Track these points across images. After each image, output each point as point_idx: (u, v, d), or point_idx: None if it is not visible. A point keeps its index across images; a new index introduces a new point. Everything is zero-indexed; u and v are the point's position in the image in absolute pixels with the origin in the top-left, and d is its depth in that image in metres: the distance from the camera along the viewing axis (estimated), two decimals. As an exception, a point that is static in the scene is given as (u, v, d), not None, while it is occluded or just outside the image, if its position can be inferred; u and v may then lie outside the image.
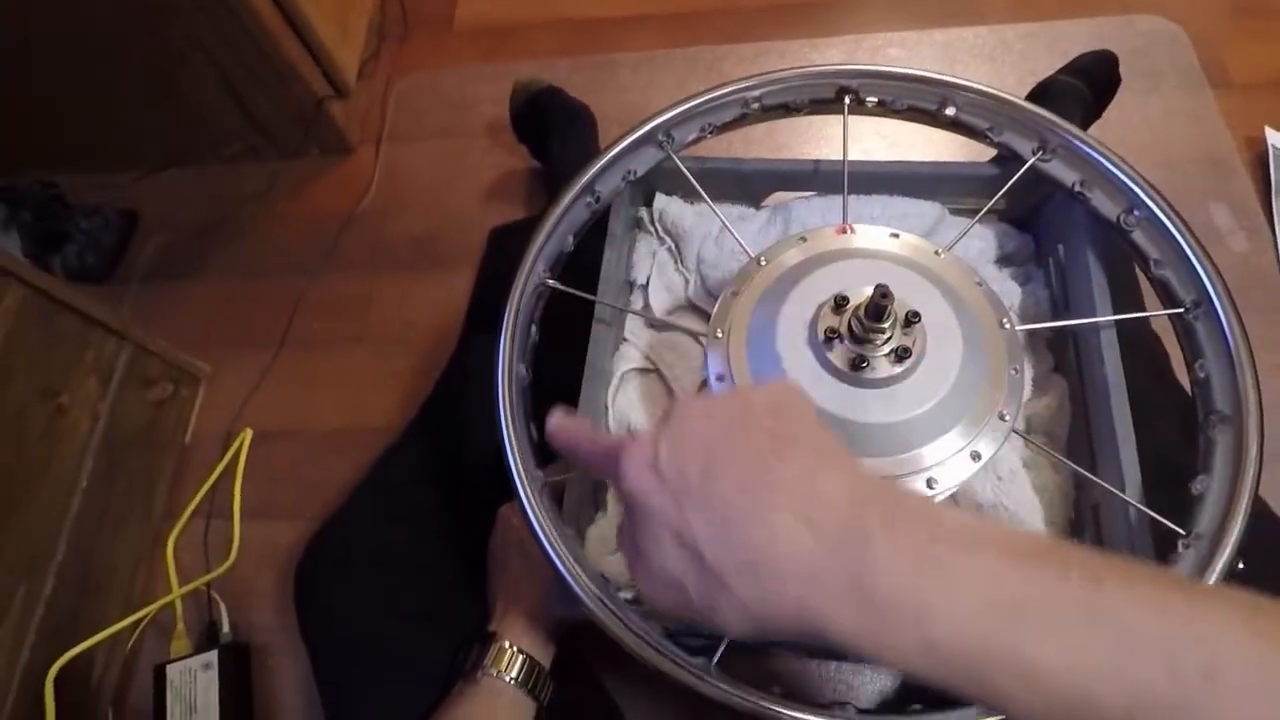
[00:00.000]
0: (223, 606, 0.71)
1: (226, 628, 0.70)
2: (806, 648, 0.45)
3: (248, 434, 0.81)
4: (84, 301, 0.67)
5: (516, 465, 0.42)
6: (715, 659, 0.39)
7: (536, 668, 0.49)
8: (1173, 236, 0.44)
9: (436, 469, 0.61)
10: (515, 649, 0.48)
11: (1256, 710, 0.22)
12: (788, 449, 0.27)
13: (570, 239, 0.51)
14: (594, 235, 0.54)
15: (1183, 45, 0.91)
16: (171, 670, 0.67)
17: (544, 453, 0.45)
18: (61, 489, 0.66)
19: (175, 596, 0.72)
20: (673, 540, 0.27)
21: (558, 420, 0.37)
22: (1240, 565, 0.38)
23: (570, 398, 0.51)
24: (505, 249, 0.82)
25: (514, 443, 0.43)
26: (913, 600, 0.24)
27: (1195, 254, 0.44)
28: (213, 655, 0.67)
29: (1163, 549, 0.40)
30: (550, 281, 0.49)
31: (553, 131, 0.84)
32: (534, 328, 0.49)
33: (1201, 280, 0.43)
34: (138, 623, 0.71)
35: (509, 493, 0.43)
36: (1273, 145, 0.82)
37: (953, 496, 0.49)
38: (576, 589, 0.40)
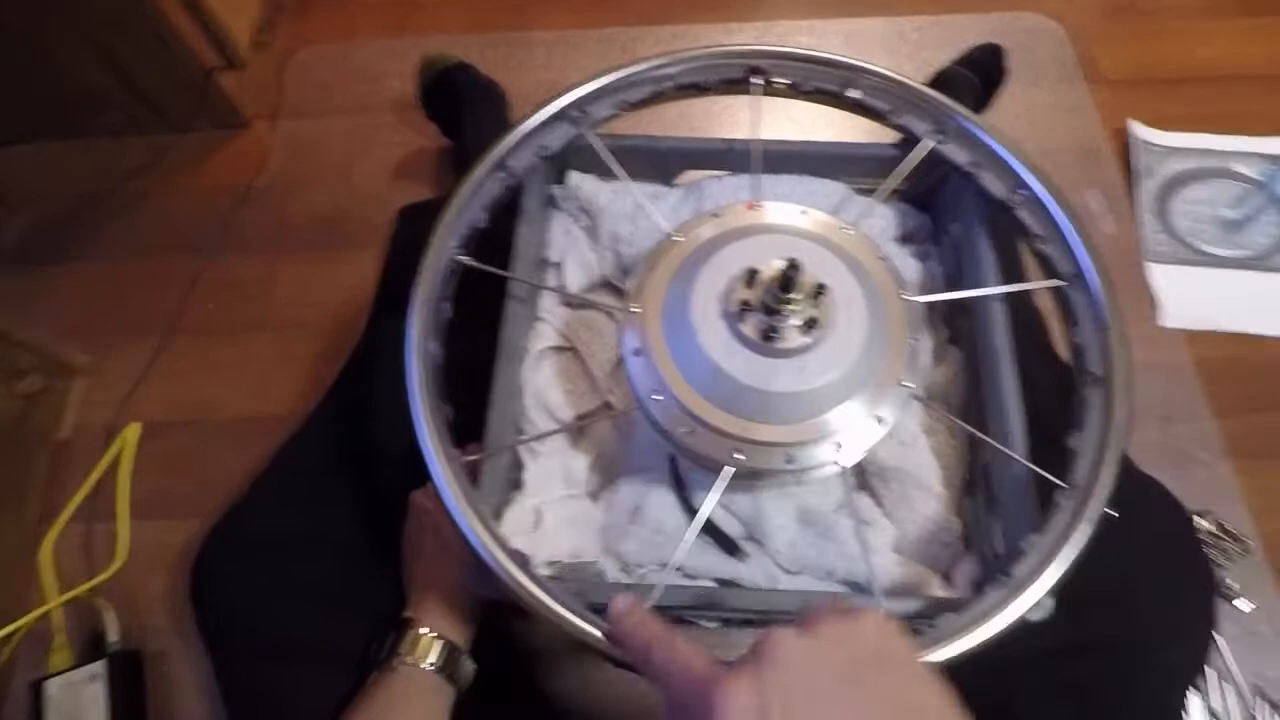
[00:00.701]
0: (110, 613, 0.66)
1: (115, 635, 0.65)
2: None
3: (135, 427, 0.75)
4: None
5: (429, 443, 0.41)
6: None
7: (455, 652, 0.48)
8: (1052, 214, 0.48)
9: (344, 454, 0.59)
10: (432, 634, 0.47)
11: None
12: (911, 712, 0.26)
13: (483, 215, 0.50)
14: (512, 214, 0.53)
15: (1061, 42, 0.98)
16: (51, 686, 0.61)
17: (459, 433, 0.44)
18: (-87, 492, 0.59)
19: (54, 605, 0.67)
20: None
21: (626, 606, 0.33)
22: (1113, 514, 0.41)
23: (486, 377, 0.50)
24: (416, 229, 0.79)
25: (426, 420, 0.42)
26: None
27: (1072, 230, 0.47)
28: (99, 666, 0.62)
29: (1046, 503, 0.44)
30: (462, 258, 0.48)
31: (464, 109, 0.82)
32: (447, 305, 0.48)
33: (1077, 255, 0.47)
34: (9, 636, 0.65)
35: (421, 476, 0.42)
36: (1135, 136, 0.89)
37: (860, 463, 0.51)
38: (494, 566, 0.39)
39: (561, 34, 0.99)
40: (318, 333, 0.79)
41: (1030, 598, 0.39)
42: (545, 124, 0.51)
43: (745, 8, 1.02)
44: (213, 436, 0.75)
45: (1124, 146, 0.90)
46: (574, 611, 0.39)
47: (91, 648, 0.65)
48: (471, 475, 0.45)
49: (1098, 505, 0.41)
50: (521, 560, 0.40)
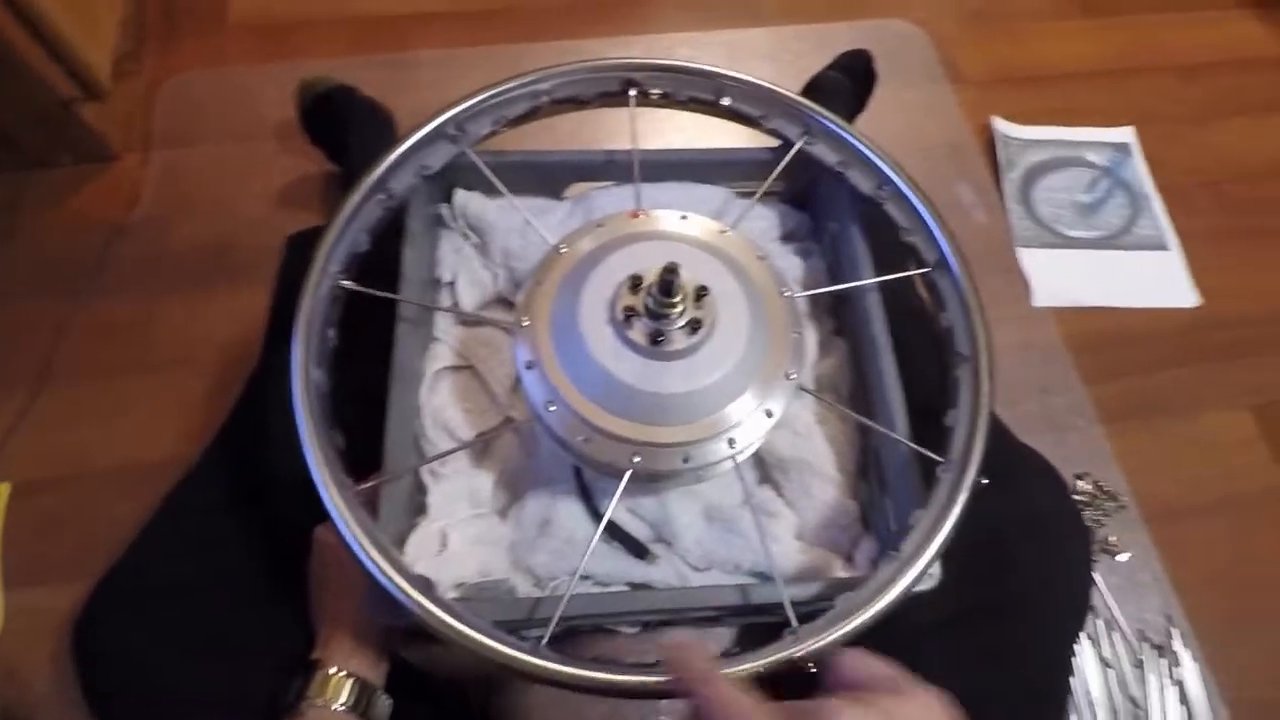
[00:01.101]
0: (-14, 692, 0.61)
1: (-6, 716, 0.60)
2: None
3: (4, 488, 0.70)
4: None
5: (318, 470, 0.40)
6: (545, 639, 0.39)
7: (367, 689, 0.46)
8: (915, 206, 0.51)
9: (239, 492, 0.56)
10: (342, 673, 0.46)
11: None
12: None
13: (365, 239, 0.49)
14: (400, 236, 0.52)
15: (926, 46, 1.04)
16: (-79, 778, 0.56)
17: (356, 463, 0.43)
18: None
19: (-82, 691, 0.61)
20: None
21: (684, 641, 0.33)
22: (984, 481, 0.44)
23: (382, 401, 0.49)
24: (304, 257, 0.77)
25: (315, 448, 0.41)
26: None
27: (933, 221, 0.51)
28: (-23, 750, 0.57)
29: (929, 478, 0.46)
30: (345, 283, 0.47)
31: (349, 131, 0.80)
32: (332, 331, 0.46)
33: (939, 243, 0.50)
34: None
35: (321, 509, 0.40)
36: (997, 131, 0.96)
37: (758, 453, 0.53)
38: (394, 592, 0.38)
39: (448, 52, 0.98)
40: (205, 370, 0.75)
41: (918, 569, 0.41)
42: (422, 144, 0.50)
43: (632, 21, 1.04)
44: (92, 489, 0.70)
45: (989, 141, 0.97)
46: (481, 631, 0.38)
47: (-34, 733, 0.60)
48: (371, 503, 0.44)
49: (971, 474, 0.43)
50: (424, 585, 0.40)
